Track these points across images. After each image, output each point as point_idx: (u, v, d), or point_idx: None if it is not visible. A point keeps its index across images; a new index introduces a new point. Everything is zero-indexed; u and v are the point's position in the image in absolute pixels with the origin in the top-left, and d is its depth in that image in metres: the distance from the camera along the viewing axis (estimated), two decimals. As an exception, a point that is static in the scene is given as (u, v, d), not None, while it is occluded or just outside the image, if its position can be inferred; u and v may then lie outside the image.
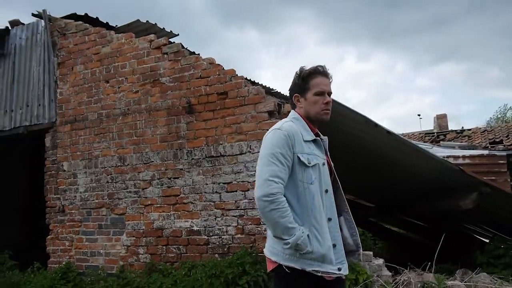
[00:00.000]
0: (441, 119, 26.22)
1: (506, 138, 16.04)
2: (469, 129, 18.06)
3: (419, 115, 53.77)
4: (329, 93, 2.06)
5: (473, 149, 13.02)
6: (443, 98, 72.24)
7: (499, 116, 37.05)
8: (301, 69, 2.09)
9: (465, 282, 4.17)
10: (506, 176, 10.43)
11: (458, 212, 5.19)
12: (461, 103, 71.09)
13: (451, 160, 10.86)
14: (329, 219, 1.94)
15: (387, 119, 70.63)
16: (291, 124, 1.99)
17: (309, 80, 2.04)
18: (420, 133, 18.98)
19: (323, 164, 1.98)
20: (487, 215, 5.28)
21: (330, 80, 2.08)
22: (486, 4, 68.00)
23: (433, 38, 72.05)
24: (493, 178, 10.09)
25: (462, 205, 4.69)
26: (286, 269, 1.85)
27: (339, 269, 1.92)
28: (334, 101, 4.80)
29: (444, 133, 18.41)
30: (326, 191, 1.96)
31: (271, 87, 12.05)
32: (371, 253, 4.46)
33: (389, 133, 4.45)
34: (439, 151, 11.60)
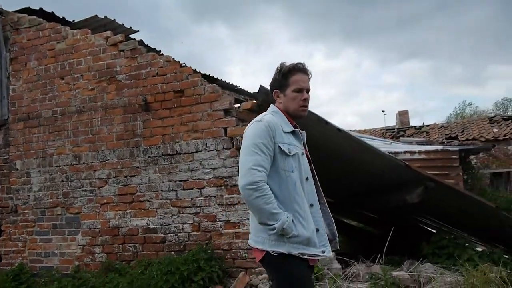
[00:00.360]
0: (403, 115, 27.00)
1: (461, 134, 16.77)
2: (428, 125, 18.76)
3: (383, 111, 55.30)
4: (307, 90, 2.13)
5: (430, 145, 13.55)
6: (408, 95, 74.42)
7: (458, 112, 38.59)
8: (282, 65, 2.15)
9: (409, 272, 4.39)
10: (459, 170, 10.94)
11: (408, 205, 5.43)
12: (425, 100, 73.46)
13: (408, 155, 11.31)
14: (311, 205, 2.03)
15: (355, 115, 72.09)
16: (271, 116, 2.07)
17: (288, 76, 2.10)
18: (381, 129, 19.56)
19: (302, 154, 2.08)
20: (433, 208, 5.54)
21: (309, 77, 2.15)
22: (451, 4, 70.37)
23: (400, 36, 74.04)
24: (447, 172, 10.60)
25: (409, 199, 4.90)
26: (274, 254, 1.93)
27: (323, 252, 2.02)
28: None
29: (404, 129, 19.04)
30: (307, 178, 2.05)
31: (235, 84, 12.14)
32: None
33: (339, 130, 4.60)
34: (397, 147, 12.03)
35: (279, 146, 1.99)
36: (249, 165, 1.91)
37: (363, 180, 5.54)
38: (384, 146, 12.27)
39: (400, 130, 18.89)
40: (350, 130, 14.26)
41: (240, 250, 4.77)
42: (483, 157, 15.78)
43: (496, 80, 64.69)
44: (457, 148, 10.99)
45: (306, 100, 2.12)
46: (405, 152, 11.17)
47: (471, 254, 4.78)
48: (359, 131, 18.72)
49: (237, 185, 4.73)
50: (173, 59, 5.40)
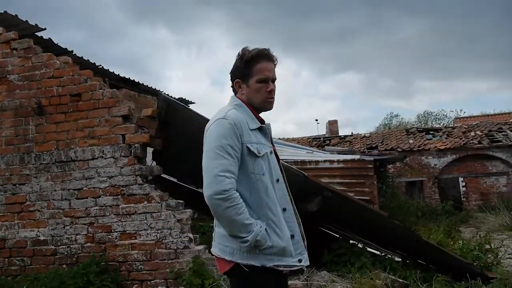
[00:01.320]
0: (332, 124, 28.06)
1: (381, 144, 17.69)
2: (351, 135, 19.59)
3: (316, 120, 57.04)
4: (273, 80, 1.91)
5: (351, 154, 14.12)
6: (343, 105, 77.69)
7: (386, 122, 40.84)
8: (244, 51, 1.90)
9: (301, 281, 4.47)
10: (373, 179, 11.49)
11: (314, 214, 5.56)
12: (358, 110, 77.11)
13: (327, 164, 11.66)
14: (284, 209, 1.82)
15: (293, 123, 73.85)
16: (235, 112, 1.82)
17: (252, 64, 1.86)
18: (308, 138, 20.10)
19: (271, 152, 1.87)
20: (336, 217, 5.73)
21: (275, 64, 1.93)
22: (386, 20, 74.48)
23: (337, 48, 77.06)
24: (362, 181, 11.09)
25: (309, 208, 5.03)
26: (245, 268, 1.72)
27: (300, 261, 1.82)
28: (193, 111, 4.80)
29: (330, 138, 19.73)
30: (278, 180, 1.84)
31: (159, 89, 11.86)
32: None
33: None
34: (318, 156, 12.37)
35: (247, 147, 1.77)
36: (215, 171, 1.69)
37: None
38: (306, 154, 12.65)
39: (326, 139, 19.56)
40: (275, 138, 14.51)
41: (136, 262, 4.59)
42: (400, 167, 16.76)
43: (422, 94, 69.47)
44: (372, 158, 11.54)
45: (272, 91, 1.89)
46: (325, 161, 11.54)
47: (364, 262, 4.98)
48: (292, 140, 19.11)
49: (134, 194, 4.67)
50: (72, 60, 5.12)
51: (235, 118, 1.77)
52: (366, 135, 19.60)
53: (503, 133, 17.17)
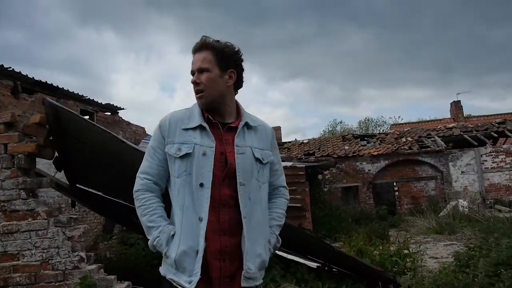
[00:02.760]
0: (276, 131, 28.27)
1: (318, 151, 17.92)
2: (289, 142, 19.72)
3: (263, 126, 57.30)
4: (200, 70, 1.76)
5: (287, 161, 14.12)
6: (292, 112, 78.88)
7: (330, 129, 41.83)
8: None
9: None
10: (305, 186, 11.52)
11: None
12: (306, 117, 78.66)
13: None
14: (200, 219, 1.65)
15: (241, 130, 73.68)
16: (177, 111, 1.82)
17: None
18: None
19: (204, 154, 1.70)
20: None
21: (207, 50, 1.76)
22: (335, 29, 76.66)
23: (287, 56, 78.28)
24: (294, 188, 11.06)
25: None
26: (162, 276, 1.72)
27: (190, 282, 1.62)
28: (80, 118, 4.39)
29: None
30: (201, 185, 1.67)
31: (83, 94, 11.19)
32: (113, 276, 4.20)
33: (136, 150, 4.29)
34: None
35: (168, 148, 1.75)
36: (138, 173, 1.79)
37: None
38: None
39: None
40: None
41: (18, 286, 4.11)
42: (336, 172, 17.04)
43: (367, 101, 72.14)
44: (303, 165, 11.58)
45: (195, 84, 1.76)
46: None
47: (274, 274, 4.82)
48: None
49: (17, 210, 4.18)
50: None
51: (167, 118, 1.78)
52: (304, 141, 19.80)
53: (432, 139, 17.97)
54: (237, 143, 1.75)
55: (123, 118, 12.98)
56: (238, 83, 1.86)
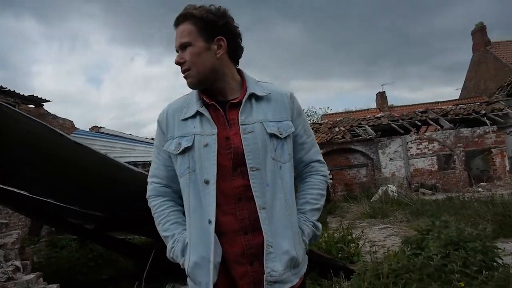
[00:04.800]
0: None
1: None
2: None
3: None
4: (182, 46, 1.49)
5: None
6: (223, 106, 78.39)
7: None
8: None
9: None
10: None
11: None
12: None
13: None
14: (210, 222, 1.42)
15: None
16: (175, 101, 1.58)
17: None
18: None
19: (206, 144, 1.44)
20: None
21: (185, 23, 1.48)
22: (264, 20, 77.29)
23: None
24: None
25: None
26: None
27: None
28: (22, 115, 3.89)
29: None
30: (206, 182, 1.43)
31: (2, 85, 10.18)
32: (55, 285, 3.80)
33: (77, 144, 3.89)
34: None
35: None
36: (148, 176, 1.60)
37: (122, 195, 4.96)
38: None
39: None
40: (148, 139, 13.61)
41: None
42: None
43: (298, 92, 73.76)
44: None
45: (178, 64, 1.50)
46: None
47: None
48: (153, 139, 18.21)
49: None
50: None
51: (165, 111, 1.56)
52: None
53: (363, 128, 18.79)
54: (242, 121, 1.47)
55: (48, 111, 11.99)
56: (234, 52, 1.55)
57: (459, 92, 31.83)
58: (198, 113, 1.50)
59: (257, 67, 77.44)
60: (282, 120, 1.52)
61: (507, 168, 17.60)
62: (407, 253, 4.06)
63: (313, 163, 1.64)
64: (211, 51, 1.49)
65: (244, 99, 1.50)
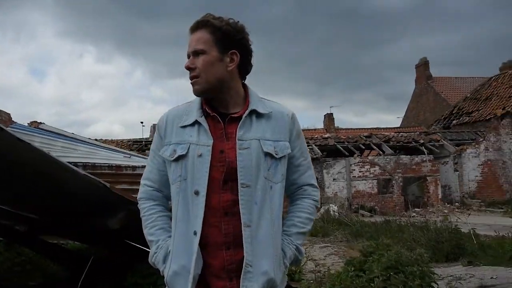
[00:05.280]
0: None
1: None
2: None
3: (142, 122, 55.26)
4: (195, 53, 1.49)
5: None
6: (174, 110, 77.52)
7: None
8: None
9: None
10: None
11: (121, 230, 4.82)
12: (187, 116, 78.13)
13: (143, 170, 10.91)
14: (195, 233, 1.42)
15: (120, 124, 69.82)
16: (176, 107, 1.60)
17: None
18: (129, 141, 18.95)
19: (200, 154, 1.44)
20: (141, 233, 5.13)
21: (201, 29, 1.50)
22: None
23: (174, 53, 76.48)
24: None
25: (110, 224, 4.31)
26: None
27: None
28: None
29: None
30: (196, 193, 1.44)
31: None
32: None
33: (20, 140, 3.61)
34: (137, 160, 11.54)
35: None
36: (141, 178, 1.63)
37: (62, 199, 4.66)
38: (123, 159, 11.66)
39: (148, 143, 18.71)
40: (92, 139, 13.03)
41: None
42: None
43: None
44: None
45: (189, 69, 1.50)
46: (143, 166, 10.80)
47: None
48: (111, 142, 17.58)
49: None
50: None
51: (166, 116, 1.56)
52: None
53: (310, 147, 19.22)
54: (240, 137, 1.47)
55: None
56: (244, 67, 1.56)
57: (400, 120, 33.64)
58: (196, 122, 1.50)
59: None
60: (280, 140, 1.53)
61: (439, 196, 18.71)
62: (350, 274, 4.13)
63: (306, 186, 1.65)
64: (224, 63, 1.51)
65: (244, 115, 1.50)
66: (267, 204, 1.46)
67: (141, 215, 1.57)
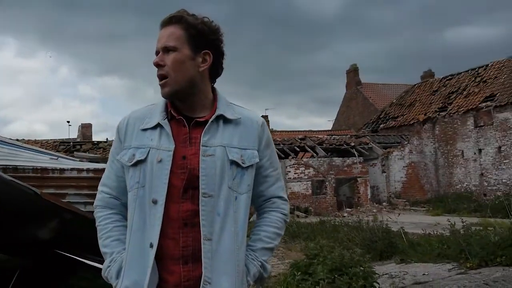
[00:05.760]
0: (86, 128, 25.94)
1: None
2: (105, 142, 18.32)
3: (68, 121, 52.19)
4: (166, 49, 1.38)
5: (104, 162, 12.97)
6: (102, 109, 73.92)
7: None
8: None
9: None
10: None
11: (48, 240, 4.42)
12: (118, 115, 75.26)
13: (75, 173, 10.27)
14: (151, 245, 1.30)
15: (44, 123, 65.16)
16: (140, 108, 1.47)
17: None
18: (55, 141, 17.73)
19: (160, 160, 1.33)
20: (75, 241, 4.75)
21: (174, 26, 1.38)
22: (151, 29, 75.69)
23: (104, 50, 72.89)
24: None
25: (40, 235, 3.94)
26: None
27: None
28: None
29: (81, 143, 17.92)
30: (154, 201, 1.32)
31: None
32: None
33: None
34: (65, 163, 10.79)
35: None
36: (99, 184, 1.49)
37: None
38: (49, 161, 10.86)
39: (77, 144, 17.66)
40: (13, 139, 11.97)
41: None
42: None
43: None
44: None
45: (158, 65, 1.38)
46: (72, 169, 10.16)
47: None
48: (35, 142, 16.28)
49: None
50: None
51: (127, 118, 1.46)
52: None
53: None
54: (204, 143, 1.36)
55: None
56: (215, 70, 1.46)
57: (331, 123, 34.95)
58: (158, 125, 1.39)
59: (141, 78, 75.26)
60: (248, 148, 1.43)
61: (369, 196, 19.66)
62: (296, 278, 4.12)
63: (274, 198, 1.54)
64: (195, 62, 1.40)
65: (211, 119, 1.39)
66: (230, 216, 1.36)
67: (96, 225, 1.47)
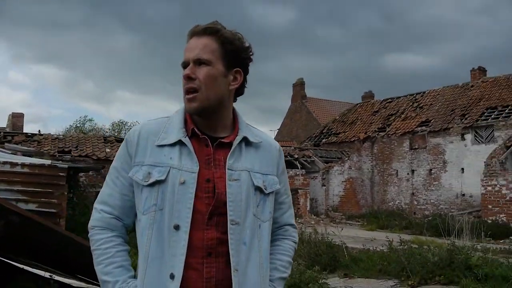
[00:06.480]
0: (17, 118, 24.16)
1: (75, 149, 16.21)
2: (41, 134, 17.16)
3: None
4: (198, 61, 1.25)
5: (39, 156, 12.15)
6: (34, 98, 69.31)
7: (78, 125, 38.89)
8: None
9: None
10: (64, 189, 10.10)
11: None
12: (51, 107, 70.86)
13: (7, 167, 9.49)
14: (172, 277, 1.16)
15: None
16: (152, 121, 1.35)
17: None
18: (-17, 130, 16.29)
19: (183, 182, 1.20)
20: (20, 247, 4.35)
21: (208, 38, 1.26)
22: (99, 24, 72.32)
23: (41, 37, 68.47)
24: (51, 190, 9.54)
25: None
26: None
27: None
28: None
29: (13, 134, 16.62)
30: (176, 227, 1.19)
31: None
32: None
33: None
34: (-3, 155, 9.95)
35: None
36: (96, 202, 1.33)
37: None
38: (-22, 152, 9.98)
39: (8, 134, 16.33)
40: None
41: None
42: (92, 176, 15.72)
43: (120, 103, 70.90)
44: (66, 165, 10.16)
45: (188, 78, 1.26)
46: (5, 162, 9.37)
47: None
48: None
49: None
50: None
51: (136, 130, 1.32)
52: (59, 136, 17.56)
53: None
54: (230, 166, 1.28)
55: None
56: (241, 89, 1.39)
57: (273, 133, 35.42)
58: (179, 143, 1.27)
59: (80, 70, 71.84)
60: (268, 173, 1.37)
61: (308, 208, 20.10)
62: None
63: (287, 226, 1.50)
64: (227, 80, 1.33)
65: (237, 141, 1.32)
66: (255, 245, 1.30)
67: (93, 248, 1.30)
